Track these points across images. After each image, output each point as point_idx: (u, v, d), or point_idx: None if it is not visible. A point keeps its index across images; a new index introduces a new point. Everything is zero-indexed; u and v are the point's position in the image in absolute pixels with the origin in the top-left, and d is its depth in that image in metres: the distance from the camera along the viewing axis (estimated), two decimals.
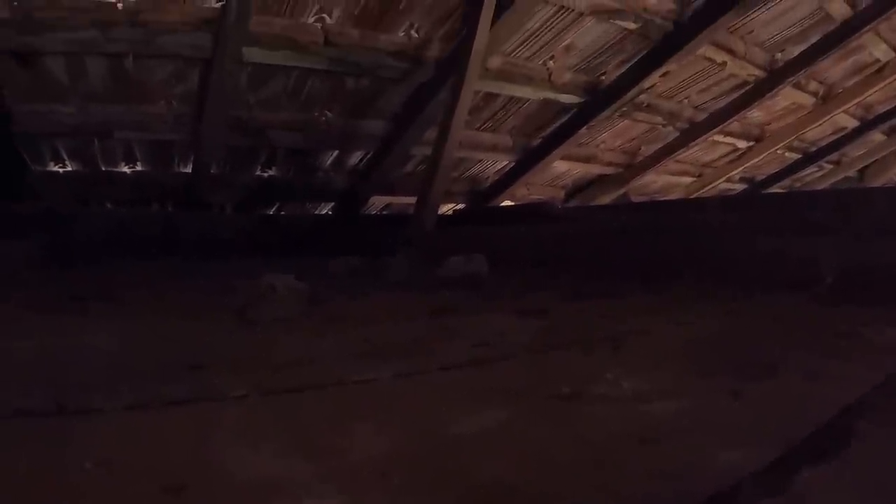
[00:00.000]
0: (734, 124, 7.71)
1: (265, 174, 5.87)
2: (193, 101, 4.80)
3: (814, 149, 9.45)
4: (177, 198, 5.53)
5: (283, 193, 6.19)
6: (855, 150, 9.95)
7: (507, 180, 7.26)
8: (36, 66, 4.09)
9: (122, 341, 1.68)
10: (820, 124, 8.20)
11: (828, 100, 7.95)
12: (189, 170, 5.34)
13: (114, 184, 5.22)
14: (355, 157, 6.20)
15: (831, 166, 10.29)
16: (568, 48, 5.78)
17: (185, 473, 0.82)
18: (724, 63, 6.57)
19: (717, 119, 7.52)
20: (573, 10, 5.21)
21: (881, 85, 7.67)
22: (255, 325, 1.94)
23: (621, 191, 8.13)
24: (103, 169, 5.10)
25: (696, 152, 8.31)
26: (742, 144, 8.49)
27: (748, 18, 6.05)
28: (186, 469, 0.84)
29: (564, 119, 6.68)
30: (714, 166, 8.96)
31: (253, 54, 4.54)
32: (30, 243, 3.50)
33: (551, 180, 7.92)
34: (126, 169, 5.21)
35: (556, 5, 5.11)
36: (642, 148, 7.91)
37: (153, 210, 5.58)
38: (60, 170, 4.94)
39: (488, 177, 7.31)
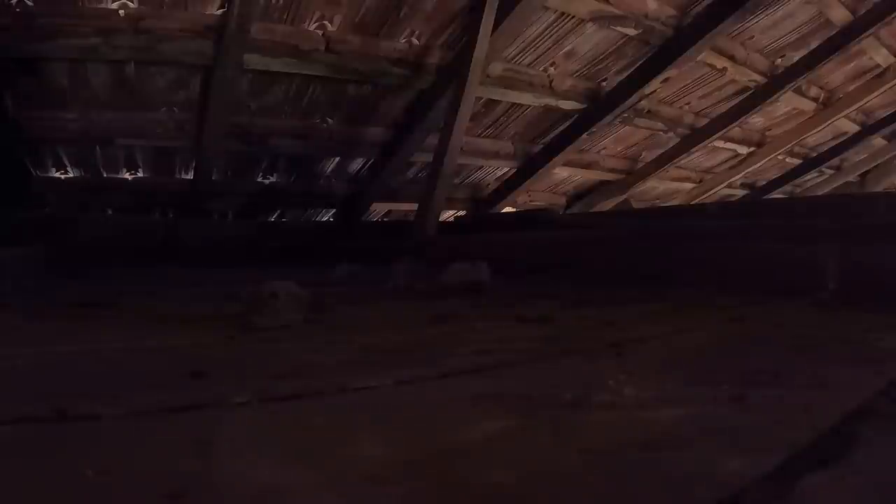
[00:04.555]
0: (735, 130, 7.73)
1: (266, 181, 5.88)
2: (195, 108, 4.82)
3: (815, 154, 9.47)
4: (178, 204, 5.53)
5: (284, 200, 6.20)
6: (856, 155, 9.97)
7: (508, 187, 7.28)
8: (38, 72, 4.11)
9: (123, 348, 1.68)
10: (821, 129, 8.22)
11: (828, 105, 7.96)
12: (190, 176, 5.35)
13: (115, 190, 5.24)
14: (357, 164, 6.21)
15: (832, 171, 10.30)
16: (568, 54, 5.81)
17: (186, 480, 0.81)
18: (725, 69, 6.59)
19: (717, 125, 7.54)
20: (574, 17, 5.23)
21: (882, 90, 7.69)
22: (257, 331, 1.94)
23: (622, 197, 8.14)
24: (105, 175, 5.11)
25: (697, 158, 8.33)
26: (743, 150, 8.50)
27: (748, 24, 6.07)
28: (187, 476, 0.83)
29: (565, 125, 6.70)
30: (715, 172, 8.98)
31: (254, 61, 4.56)
32: (31, 250, 3.50)
33: (553, 186, 7.94)
34: (128, 175, 5.22)
35: (556, 11, 5.13)
36: (643, 154, 7.93)
37: (155, 217, 5.58)
38: (62, 176, 4.96)
39: (489, 183, 7.33)
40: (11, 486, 0.80)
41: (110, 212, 5.34)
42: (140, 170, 5.19)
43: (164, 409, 1.11)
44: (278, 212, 6.31)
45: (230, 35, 4.22)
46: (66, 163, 4.87)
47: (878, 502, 0.77)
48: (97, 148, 4.85)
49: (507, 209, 7.52)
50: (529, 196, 7.74)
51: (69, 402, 1.10)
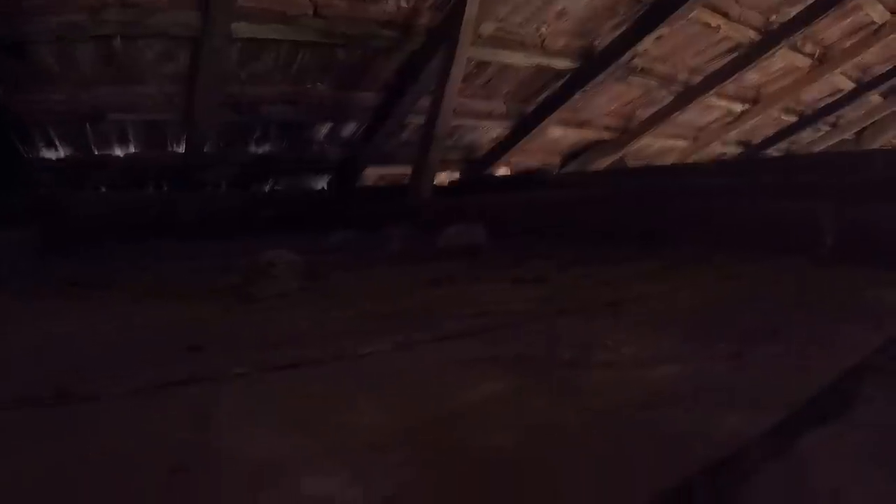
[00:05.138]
0: (729, 87, 7.66)
1: (259, 150, 5.83)
2: (185, 80, 4.76)
3: (810, 111, 9.41)
4: (171, 177, 5.49)
5: (277, 168, 6.16)
6: (852, 112, 9.90)
7: (502, 147, 7.24)
8: (25, 53, 4.04)
9: (120, 326, 1.67)
10: (816, 86, 8.15)
11: (824, 61, 7.88)
12: (182, 149, 5.30)
13: (108, 167, 5.19)
14: (349, 129, 6.16)
15: (828, 128, 10.25)
16: (560, 13, 5.72)
17: (187, 454, 0.82)
18: (719, 26, 6.50)
19: (712, 82, 7.48)
20: None
21: (877, 46, 7.61)
22: (254, 302, 1.94)
23: (617, 155, 8.10)
24: (97, 153, 5.06)
25: (692, 115, 8.27)
26: (738, 107, 8.44)
27: None
28: (188, 449, 0.83)
29: (558, 85, 6.64)
30: (710, 129, 8.92)
31: (242, 29, 4.49)
32: (25, 231, 3.48)
33: (547, 146, 7.88)
34: (120, 151, 5.17)
35: None
36: (637, 112, 7.87)
37: (149, 191, 5.54)
38: (54, 156, 4.91)
39: (484, 144, 7.28)
40: (14, 467, 0.80)
41: (104, 188, 5.29)
42: (132, 144, 5.14)
43: (163, 384, 1.11)
44: (272, 180, 6.27)
45: (216, 4, 4.15)
46: (57, 142, 4.81)
47: (878, 458, 0.78)
48: (87, 125, 4.78)
49: (503, 169, 7.48)
50: (524, 156, 7.69)
51: (69, 382, 1.10)
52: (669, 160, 9.09)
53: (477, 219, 3.21)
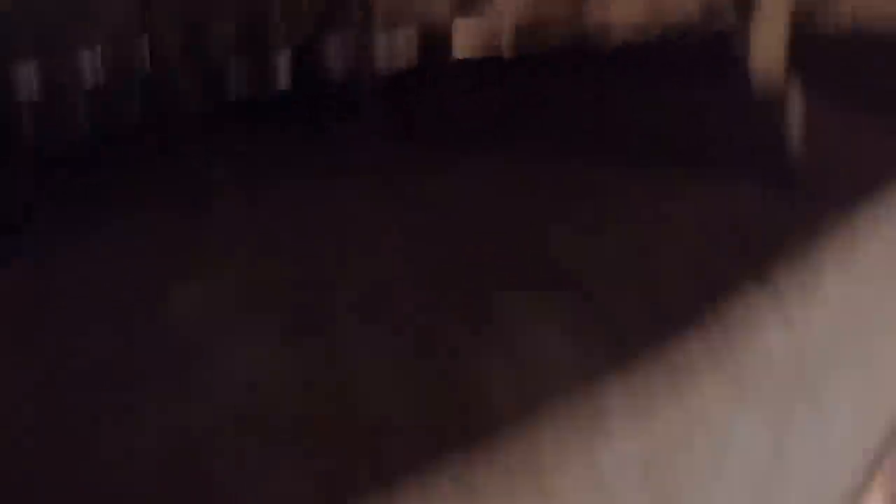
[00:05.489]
0: None
1: (221, 51, 6.06)
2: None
3: None
4: (142, 93, 5.78)
5: (242, 64, 6.40)
6: None
7: (456, 10, 7.34)
8: None
9: None
10: None
11: None
12: (148, 64, 5.56)
13: (77, 98, 5.46)
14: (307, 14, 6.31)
15: None
16: None
17: None
18: None
19: None
20: None
21: None
22: None
23: (575, 18, 8.17)
24: (62, 84, 5.27)
25: None
26: None
27: None
28: None
29: None
30: None
31: None
32: None
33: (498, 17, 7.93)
34: (88, 75, 5.43)
35: None
36: None
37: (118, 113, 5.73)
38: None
39: (436, 10, 7.37)
40: None
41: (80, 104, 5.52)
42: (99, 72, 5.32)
43: None
44: (238, 75, 6.47)
45: None
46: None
47: None
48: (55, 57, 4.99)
49: (461, 34, 7.63)
50: (477, 29, 7.76)
51: None
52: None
53: (419, 116, 3.50)
